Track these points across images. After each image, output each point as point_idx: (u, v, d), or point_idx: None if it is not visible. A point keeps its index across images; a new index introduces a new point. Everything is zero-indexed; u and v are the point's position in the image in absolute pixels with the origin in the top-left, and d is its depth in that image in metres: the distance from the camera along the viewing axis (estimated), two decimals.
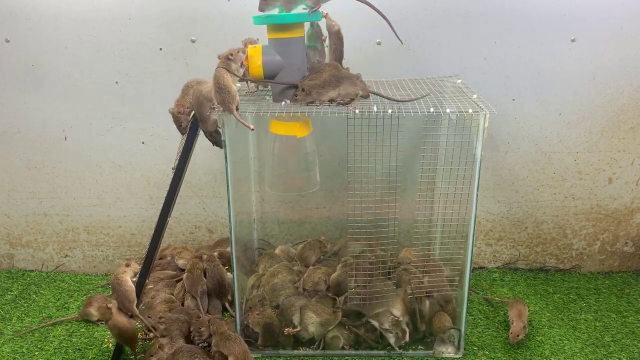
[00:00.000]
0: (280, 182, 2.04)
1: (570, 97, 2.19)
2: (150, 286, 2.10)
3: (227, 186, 1.72)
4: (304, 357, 1.87)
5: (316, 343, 1.87)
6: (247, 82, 1.85)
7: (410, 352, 1.87)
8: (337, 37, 1.81)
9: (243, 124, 1.54)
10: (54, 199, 2.38)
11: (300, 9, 1.69)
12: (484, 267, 2.47)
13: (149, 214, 2.38)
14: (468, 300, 1.82)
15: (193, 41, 2.13)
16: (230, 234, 1.76)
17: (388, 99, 1.66)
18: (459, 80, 1.96)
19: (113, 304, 1.73)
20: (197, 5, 2.09)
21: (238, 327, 1.86)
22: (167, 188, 1.77)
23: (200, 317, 1.90)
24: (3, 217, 2.43)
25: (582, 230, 2.39)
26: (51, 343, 1.97)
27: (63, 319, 2.10)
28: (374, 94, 1.70)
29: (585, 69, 2.14)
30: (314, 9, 1.66)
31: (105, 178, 2.34)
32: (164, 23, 2.11)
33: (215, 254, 2.21)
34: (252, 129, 1.55)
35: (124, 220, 2.40)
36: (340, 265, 2.01)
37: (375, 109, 1.58)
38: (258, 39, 1.75)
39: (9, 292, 2.31)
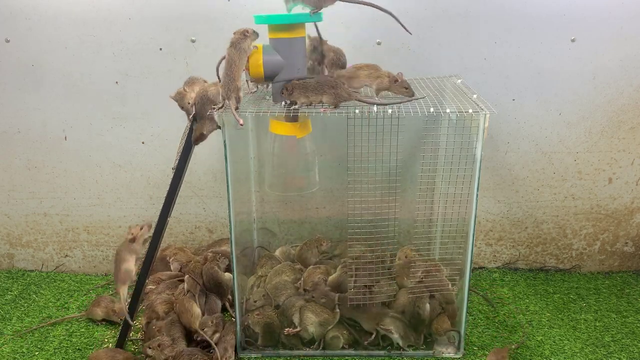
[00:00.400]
0: (280, 182, 2.04)
1: (570, 97, 2.19)
2: (151, 287, 2.10)
3: (227, 186, 1.72)
4: (304, 357, 1.87)
5: (316, 343, 1.88)
6: (247, 82, 1.85)
7: (410, 352, 1.87)
8: (330, 62, 1.82)
9: (234, 116, 1.54)
10: (54, 199, 2.38)
11: (299, 9, 1.69)
12: (484, 267, 2.47)
13: (149, 214, 2.38)
14: (468, 301, 1.82)
15: (193, 41, 2.13)
16: (230, 234, 1.76)
17: (373, 104, 1.62)
18: (459, 80, 1.96)
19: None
20: (197, 5, 2.09)
21: (238, 327, 1.86)
22: (167, 188, 1.78)
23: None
24: (3, 217, 2.43)
25: (582, 230, 2.39)
26: (51, 343, 1.97)
27: (67, 317, 2.11)
28: (362, 102, 1.64)
29: (585, 69, 2.14)
30: (315, 11, 1.65)
31: (105, 178, 2.34)
32: (164, 23, 2.11)
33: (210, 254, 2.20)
34: (242, 124, 1.53)
35: (124, 220, 2.40)
36: (340, 266, 2.01)
37: (375, 109, 1.58)
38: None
39: (9, 292, 2.31)
